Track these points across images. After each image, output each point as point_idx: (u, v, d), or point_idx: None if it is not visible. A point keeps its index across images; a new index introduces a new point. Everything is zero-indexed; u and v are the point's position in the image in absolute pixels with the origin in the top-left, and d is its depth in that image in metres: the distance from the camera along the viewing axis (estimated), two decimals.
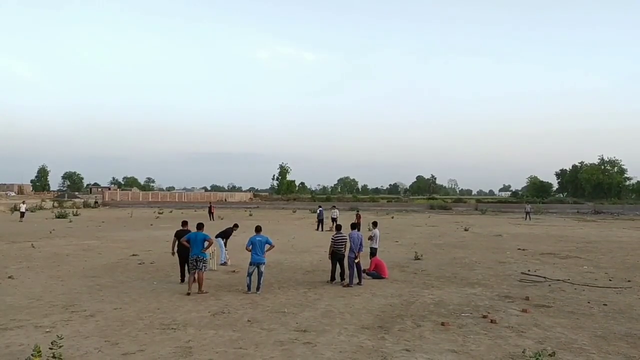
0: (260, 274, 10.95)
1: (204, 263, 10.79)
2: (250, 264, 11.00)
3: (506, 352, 6.87)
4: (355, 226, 12.77)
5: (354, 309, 9.40)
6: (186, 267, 11.60)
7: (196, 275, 10.74)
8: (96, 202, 69.79)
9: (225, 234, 15.37)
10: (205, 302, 9.86)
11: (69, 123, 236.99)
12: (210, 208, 40.76)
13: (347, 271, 12.11)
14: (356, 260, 11.98)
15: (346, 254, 12.11)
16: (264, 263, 11.01)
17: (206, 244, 10.92)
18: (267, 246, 11.10)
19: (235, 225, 16.30)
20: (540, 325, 8.33)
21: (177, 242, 11.89)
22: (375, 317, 8.80)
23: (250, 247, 10.94)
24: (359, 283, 11.93)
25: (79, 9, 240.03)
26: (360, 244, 12.14)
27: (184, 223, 12.62)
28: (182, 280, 11.92)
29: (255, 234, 11.29)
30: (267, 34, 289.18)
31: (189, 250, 10.95)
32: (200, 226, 11.40)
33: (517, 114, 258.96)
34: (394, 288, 11.53)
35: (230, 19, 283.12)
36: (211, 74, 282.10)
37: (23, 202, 42.31)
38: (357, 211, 34.19)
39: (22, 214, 38.57)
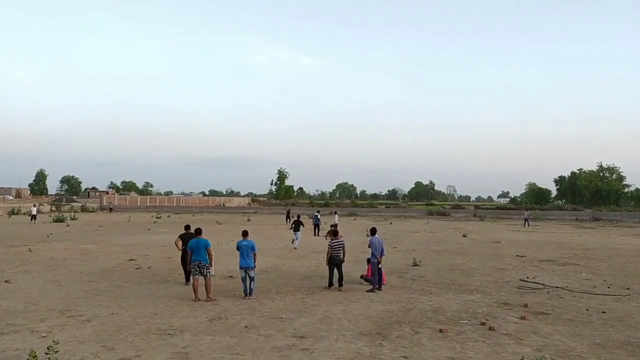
0: (251, 279, 10.88)
1: (207, 269, 10.64)
2: (240, 268, 10.97)
3: (504, 359, 6.85)
4: (374, 231, 12.73)
5: (352, 315, 9.37)
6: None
7: (203, 283, 10.60)
8: (110, 209, 67.75)
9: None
10: (203, 308, 9.82)
11: (67, 126, 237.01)
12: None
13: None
14: (379, 265, 11.99)
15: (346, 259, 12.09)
16: (252, 268, 10.85)
17: (209, 250, 10.83)
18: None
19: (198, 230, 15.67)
20: (539, 332, 8.30)
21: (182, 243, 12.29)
22: (373, 324, 8.77)
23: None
24: (379, 288, 11.92)
25: (77, 13, 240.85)
26: (382, 249, 12.18)
27: (187, 227, 13.29)
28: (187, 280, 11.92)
29: (242, 238, 11.26)
30: (264, 39, 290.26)
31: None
32: (198, 231, 11.41)
33: (516, 120, 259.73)
34: (392, 294, 11.50)
35: (226, 24, 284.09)
36: (209, 79, 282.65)
37: (34, 205, 42.26)
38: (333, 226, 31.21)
39: (32, 217, 38.40)
